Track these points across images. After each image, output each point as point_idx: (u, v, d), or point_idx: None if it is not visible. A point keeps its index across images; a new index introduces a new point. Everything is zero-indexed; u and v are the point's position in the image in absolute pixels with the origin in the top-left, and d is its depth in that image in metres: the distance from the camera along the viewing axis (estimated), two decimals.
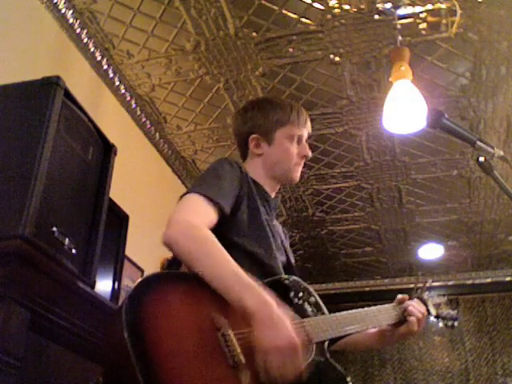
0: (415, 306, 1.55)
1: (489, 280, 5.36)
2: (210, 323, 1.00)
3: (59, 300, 1.17)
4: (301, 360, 1.01)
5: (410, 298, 1.60)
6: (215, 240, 1.14)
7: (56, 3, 2.44)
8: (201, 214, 1.18)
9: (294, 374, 0.99)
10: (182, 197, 1.24)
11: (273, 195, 1.52)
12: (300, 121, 1.51)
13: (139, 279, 1.01)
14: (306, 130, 1.53)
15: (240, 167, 1.38)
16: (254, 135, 1.49)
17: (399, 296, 1.58)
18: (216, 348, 0.97)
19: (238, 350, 0.99)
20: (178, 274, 1.10)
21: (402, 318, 1.52)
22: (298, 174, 1.52)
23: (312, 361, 1.15)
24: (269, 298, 1.05)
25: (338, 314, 1.32)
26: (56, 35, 2.53)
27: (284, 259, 1.41)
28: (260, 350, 0.99)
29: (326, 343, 1.23)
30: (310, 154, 1.52)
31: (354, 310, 1.40)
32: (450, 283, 5.35)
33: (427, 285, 1.70)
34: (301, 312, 1.24)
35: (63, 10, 2.49)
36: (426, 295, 1.67)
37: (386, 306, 1.55)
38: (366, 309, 1.45)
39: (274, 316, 1.02)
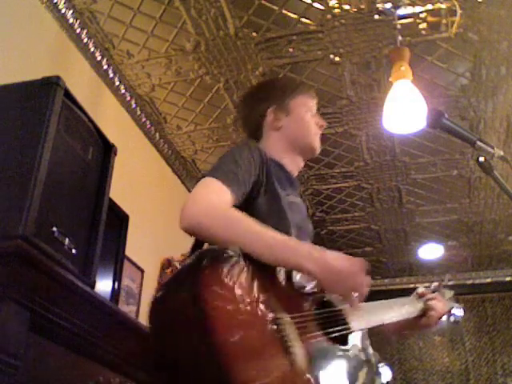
0: (438, 301, 1.57)
1: (489, 280, 5.36)
2: (265, 305, 0.97)
3: (59, 300, 1.17)
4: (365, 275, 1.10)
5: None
6: (243, 215, 1.10)
7: (56, 3, 2.44)
8: (219, 194, 1.14)
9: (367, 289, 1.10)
10: (197, 182, 1.20)
11: (296, 173, 1.49)
12: (310, 92, 1.53)
13: (201, 250, 0.98)
14: (315, 103, 1.54)
15: (260, 151, 1.34)
16: (270, 108, 1.48)
17: (420, 289, 1.59)
18: (271, 332, 0.94)
19: (294, 336, 0.97)
20: (230, 250, 1.02)
21: (423, 312, 1.53)
22: (319, 145, 1.50)
23: (351, 352, 1.12)
24: (321, 252, 1.08)
25: (367, 303, 1.28)
26: (56, 35, 2.53)
27: (309, 242, 1.38)
28: (343, 295, 1.09)
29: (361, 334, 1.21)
30: (325, 123, 1.52)
31: (380, 301, 1.39)
32: (450, 283, 5.34)
33: (443, 283, 1.71)
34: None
35: (63, 10, 2.49)
36: (442, 291, 1.67)
37: (410, 298, 1.56)
38: (392, 300, 1.45)
39: (334, 268, 1.06)
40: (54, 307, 1.15)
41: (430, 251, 4.92)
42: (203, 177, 1.20)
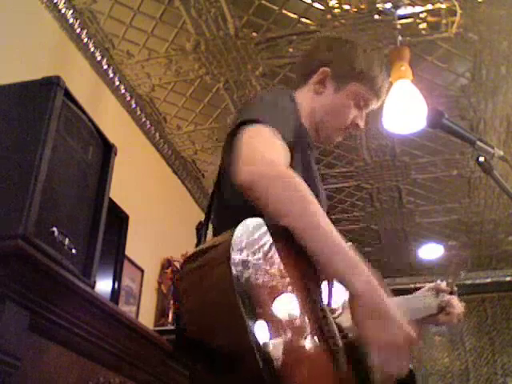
0: (455, 299, 1.49)
1: (489, 280, 5.37)
2: (307, 294, 0.86)
3: (59, 300, 1.17)
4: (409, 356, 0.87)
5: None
6: (311, 195, 0.93)
7: (56, 3, 2.44)
8: (281, 152, 0.98)
9: (403, 371, 0.85)
10: (240, 124, 1.03)
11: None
12: (381, 90, 1.29)
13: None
14: (376, 102, 1.30)
15: (296, 105, 1.17)
16: (326, 68, 1.25)
17: (440, 285, 1.49)
18: (313, 322, 0.84)
19: (337, 334, 0.87)
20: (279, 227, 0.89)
21: (441, 309, 1.47)
22: (338, 139, 1.34)
23: None
24: (379, 286, 0.89)
25: (397, 298, 1.18)
26: (56, 35, 2.53)
27: None
28: (370, 343, 0.85)
29: None
30: (362, 126, 1.30)
31: (404, 296, 1.34)
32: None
33: (458, 280, 1.68)
34: None
35: (63, 10, 2.49)
36: (455, 289, 1.64)
37: (426, 294, 1.48)
38: (408, 297, 1.39)
39: (382, 305, 0.86)
40: (53, 307, 1.15)
41: (430, 251, 4.93)
42: (251, 121, 1.02)
